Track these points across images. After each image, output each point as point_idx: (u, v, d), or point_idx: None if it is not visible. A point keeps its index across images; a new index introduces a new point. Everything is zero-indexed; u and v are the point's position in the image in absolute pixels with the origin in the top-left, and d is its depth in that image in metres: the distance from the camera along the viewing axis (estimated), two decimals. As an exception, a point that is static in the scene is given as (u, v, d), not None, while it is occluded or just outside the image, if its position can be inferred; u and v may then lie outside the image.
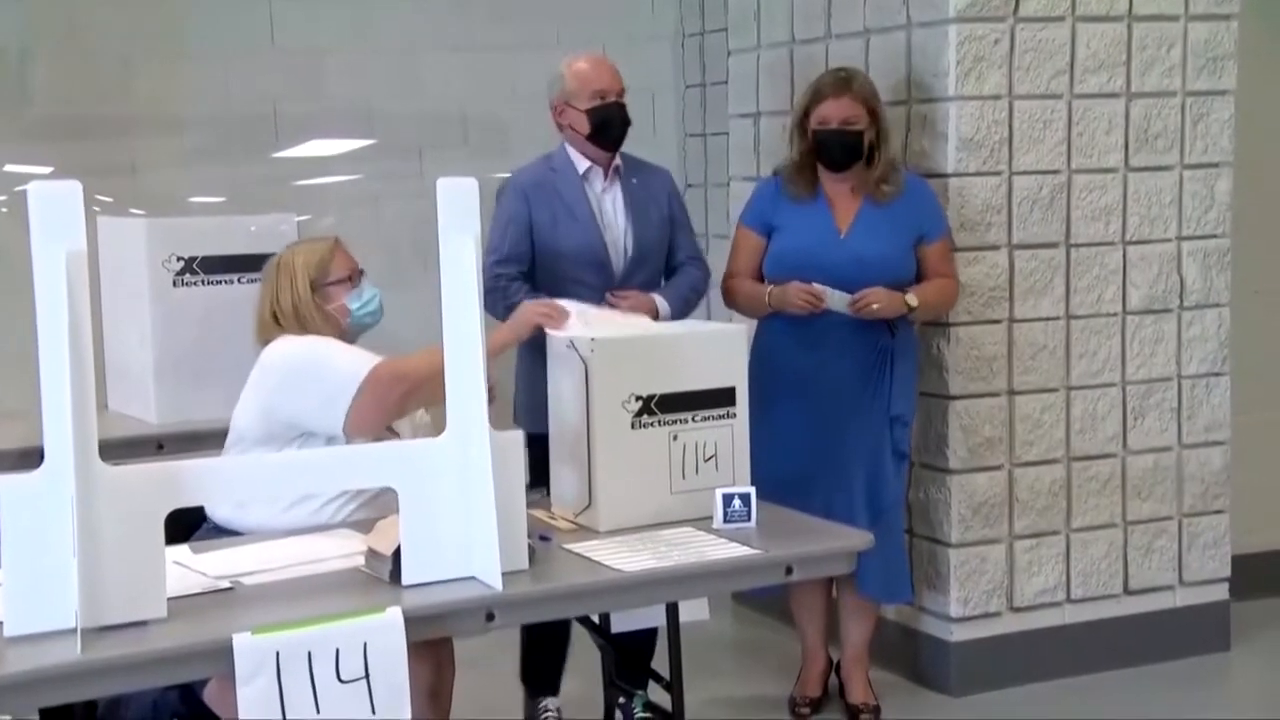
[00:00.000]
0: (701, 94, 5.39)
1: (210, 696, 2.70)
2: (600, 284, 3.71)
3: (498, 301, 3.56)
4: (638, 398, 2.90)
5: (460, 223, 2.50)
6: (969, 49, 3.99)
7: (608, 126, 3.73)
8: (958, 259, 4.01)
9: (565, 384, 2.93)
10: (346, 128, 5.01)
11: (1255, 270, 4.64)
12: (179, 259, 3.69)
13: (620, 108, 3.75)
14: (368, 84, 4.98)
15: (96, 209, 4.32)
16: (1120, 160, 4.22)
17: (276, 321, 3.09)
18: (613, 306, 3.62)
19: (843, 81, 3.82)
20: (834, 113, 3.79)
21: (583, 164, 3.78)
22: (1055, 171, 4.14)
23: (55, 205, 2.17)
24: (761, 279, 3.89)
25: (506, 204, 3.75)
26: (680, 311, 3.78)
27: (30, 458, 2.29)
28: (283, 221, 3.75)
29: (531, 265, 3.71)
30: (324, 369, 2.95)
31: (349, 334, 3.16)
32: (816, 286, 3.71)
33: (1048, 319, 4.18)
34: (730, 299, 3.99)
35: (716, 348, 3.03)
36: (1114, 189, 4.22)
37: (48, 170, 4.50)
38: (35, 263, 2.17)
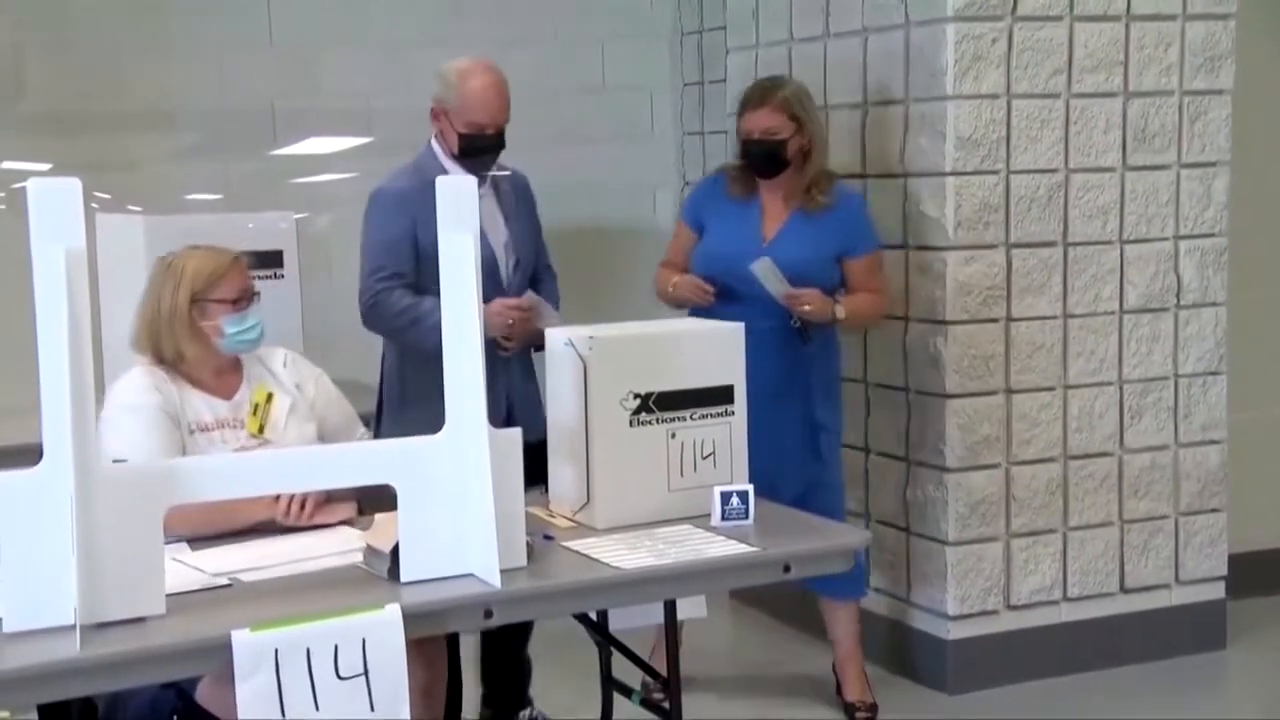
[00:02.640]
0: (700, 92, 5.39)
1: (203, 696, 2.69)
2: (491, 291, 3.47)
3: (392, 316, 3.48)
4: (636, 395, 2.90)
5: (458, 221, 2.51)
6: (967, 48, 4.00)
7: (476, 155, 3.55)
8: (955, 257, 4.02)
9: (563, 382, 2.93)
10: (344, 125, 5.01)
11: (1252, 269, 4.64)
12: (176, 256, 3.68)
13: (495, 139, 3.56)
14: (365, 81, 4.98)
15: (94, 205, 4.31)
16: (1118, 159, 4.22)
17: (147, 335, 2.98)
18: (510, 326, 3.51)
19: (764, 91, 3.83)
20: (755, 124, 3.80)
21: (456, 171, 3.51)
22: (1053, 170, 4.14)
23: (55, 202, 2.17)
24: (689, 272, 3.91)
25: (386, 219, 3.54)
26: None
27: (29, 454, 2.28)
28: (280, 219, 3.76)
29: (418, 277, 3.52)
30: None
31: (219, 355, 3.03)
32: (766, 261, 3.68)
33: (1045, 318, 4.18)
34: (656, 286, 4.01)
35: (715, 346, 3.03)
36: (1111, 188, 4.22)
37: (46, 167, 4.50)
38: (34, 260, 2.16)
